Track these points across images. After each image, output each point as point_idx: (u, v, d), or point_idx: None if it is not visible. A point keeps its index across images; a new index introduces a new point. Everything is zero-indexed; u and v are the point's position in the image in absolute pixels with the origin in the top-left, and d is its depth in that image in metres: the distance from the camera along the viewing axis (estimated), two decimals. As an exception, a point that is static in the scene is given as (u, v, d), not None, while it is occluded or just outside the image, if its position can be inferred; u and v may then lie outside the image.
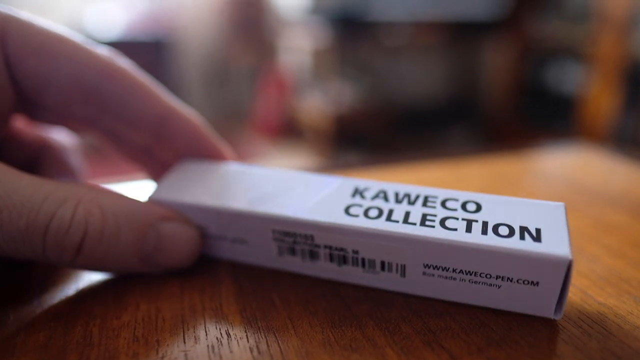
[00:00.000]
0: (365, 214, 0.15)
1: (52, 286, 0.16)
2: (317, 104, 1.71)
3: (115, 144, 0.19)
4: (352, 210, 0.15)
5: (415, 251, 0.14)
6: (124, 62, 0.17)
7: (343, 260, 0.15)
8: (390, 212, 0.14)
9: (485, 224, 0.14)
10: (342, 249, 0.15)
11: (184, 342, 0.13)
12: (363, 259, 0.15)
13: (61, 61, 0.16)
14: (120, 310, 0.15)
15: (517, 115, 1.81)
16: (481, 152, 0.32)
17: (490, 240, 0.13)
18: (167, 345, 0.13)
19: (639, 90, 1.34)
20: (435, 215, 0.14)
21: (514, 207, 0.14)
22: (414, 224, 0.14)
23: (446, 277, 0.14)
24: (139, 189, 0.24)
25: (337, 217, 0.14)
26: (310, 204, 0.15)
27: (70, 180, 0.19)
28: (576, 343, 0.13)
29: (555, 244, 0.13)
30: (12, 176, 0.14)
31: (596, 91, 1.41)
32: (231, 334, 0.14)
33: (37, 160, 0.19)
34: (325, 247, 0.15)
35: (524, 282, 0.13)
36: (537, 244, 0.13)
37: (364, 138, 1.74)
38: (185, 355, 0.13)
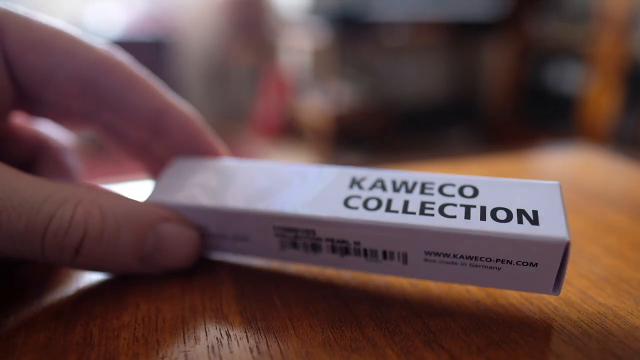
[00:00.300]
0: (365, 205, 0.15)
1: (52, 286, 0.16)
2: (317, 104, 1.71)
3: (114, 139, 0.19)
4: (351, 202, 0.15)
5: (416, 240, 0.14)
6: (122, 57, 0.17)
7: (345, 251, 0.15)
8: (389, 201, 0.15)
9: (483, 209, 0.14)
10: (343, 241, 0.15)
11: (184, 343, 0.13)
12: (365, 250, 0.15)
13: (60, 56, 0.16)
14: (120, 310, 0.15)
15: (517, 116, 1.81)
16: (481, 152, 0.32)
17: (489, 226, 0.13)
18: (167, 345, 0.13)
19: (638, 91, 1.34)
20: (433, 203, 0.14)
21: (510, 189, 0.14)
22: (414, 213, 0.14)
23: (447, 263, 0.14)
24: (139, 189, 0.24)
25: (337, 211, 0.15)
26: (309, 198, 0.15)
27: (67, 180, 0.19)
28: (576, 343, 0.13)
29: (553, 225, 0.13)
30: (12, 177, 0.14)
31: (596, 91, 1.41)
32: (231, 334, 0.14)
33: (35, 159, 0.19)
34: (327, 240, 0.15)
35: (523, 263, 0.13)
36: (534, 227, 0.13)
37: (363, 138, 1.74)
38: (186, 355, 0.13)
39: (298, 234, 0.15)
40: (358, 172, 0.16)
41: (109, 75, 0.17)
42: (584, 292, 0.16)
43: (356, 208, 0.14)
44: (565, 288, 0.16)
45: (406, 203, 0.14)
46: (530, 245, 0.13)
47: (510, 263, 0.13)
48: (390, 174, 0.16)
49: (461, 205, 0.14)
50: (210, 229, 0.16)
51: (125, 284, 0.16)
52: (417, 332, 0.14)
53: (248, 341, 0.13)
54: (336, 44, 1.67)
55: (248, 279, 0.17)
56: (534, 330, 0.14)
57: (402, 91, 1.94)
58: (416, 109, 1.97)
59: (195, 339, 0.13)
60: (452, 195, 0.14)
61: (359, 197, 0.15)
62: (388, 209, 0.14)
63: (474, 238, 0.13)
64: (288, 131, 1.91)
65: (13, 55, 0.15)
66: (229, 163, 0.18)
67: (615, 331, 0.13)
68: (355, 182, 0.16)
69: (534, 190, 0.14)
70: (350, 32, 1.68)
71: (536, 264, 0.13)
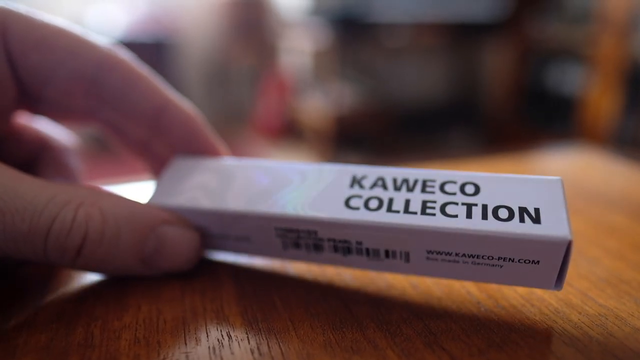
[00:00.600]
0: (366, 205, 0.14)
1: (53, 287, 0.16)
2: (317, 105, 1.71)
3: (116, 136, 0.19)
4: (353, 203, 0.15)
5: (418, 240, 0.14)
6: (124, 55, 0.17)
7: (347, 250, 0.15)
8: (391, 201, 0.14)
9: (485, 208, 0.14)
10: (345, 241, 0.15)
11: (185, 344, 0.13)
12: (367, 249, 0.15)
13: (62, 55, 0.16)
14: (121, 311, 0.15)
15: (518, 117, 1.81)
16: (481, 153, 0.32)
17: (491, 225, 0.13)
18: (169, 346, 0.13)
19: (639, 92, 1.34)
20: (435, 202, 0.14)
21: (511, 186, 0.14)
22: (415, 213, 0.14)
23: (449, 261, 0.14)
24: (141, 190, 0.24)
25: (338, 212, 0.14)
26: (310, 198, 0.15)
27: (69, 181, 0.19)
28: (577, 345, 0.13)
29: (554, 224, 0.13)
30: (14, 179, 0.14)
31: (596, 93, 1.41)
32: (232, 335, 0.14)
33: (37, 159, 0.19)
34: (329, 240, 0.15)
35: (525, 261, 0.13)
36: (536, 225, 0.13)
37: (364, 139, 1.74)
38: (187, 356, 0.13)
39: (300, 234, 0.15)
40: (358, 170, 0.16)
41: (111, 73, 0.17)
42: (585, 293, 0.16)
43: (357, 208, 0.14)
44: (566, 289, 0.16)
45: (407, 202, 0.14)
46: (532, 244, 0.13)
47: (512, 261, 0.13)
48: (391, 172, 0.16)
49: (463, 204, 0.14)
50: (212, 230, 0.16)
51: (126, 285, 0.16)
52: (418, 334, 0.14)
53: (249, 342, 0.13)
54: (337, 45, 1.67)
55: (249, 280, 0.17)
56: (534, 332, 0.14)
57: (402, 92, 1.94)
58: (416, 110, 1.97)
59: (196, 340, 0.13)
60: (454, 193, 0.14)
61: (360, 196, 0.15)
62: (389, 209, 0.14)
63: (475, 238, 0.13)
64: (288, 132, 1.91)
65: (16, 55, 0.15)
66: (228, 163, 0.18)
67: (616, 333, 0.13)
68: (355, 181, 0.15)
69: (536, 186, 0.14)
70: (350, 33, 1.68)
71: (538, 261, 0.13)
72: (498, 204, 0.14)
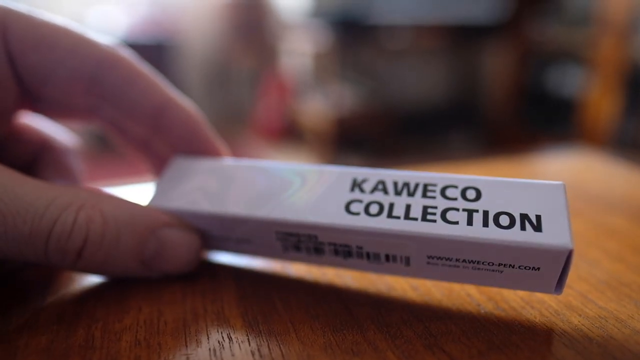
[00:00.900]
0: (366, 210, 0.14)
1: (54, 289, 0.16)
2: (318, 107, 1.71)
3: (117, 134, 0.19)
4: (353, 208, 0.15)
5: (418, 246, 0.14)
6: (124, 52, 0.17)
7: (348, 254, 0.15)
8: (391, 206, 0.14)
9: (486, 214, 0.14)
10: (346, 245, 0.15)
11: (186, 346, 0.13)
12: (367, 253, 0.15)
13: (63, 53, 0.16)
14: (122, 313, 0.15)
15: (518, 119, 1.81)
16: (481, 155, 0.32)
17: (492, 233, 0.13)
18: (169, 348, 0.13)
19: (639, 94, 1.34)
20: (436, 207, 0.14)
21: (513, 191, 0.14)
22: (416, 219, 0.14)
23: (450, 266, 0.14)
24: (142, 191, 0.24)
25: (338, 217, 0.14)
26: (311, 202, 0.15)
27: (69, 182, 0.19)
28: (577, 347, 0.13)
29: (556, 232, 0.13)
30: (16, 181, 0.14)
31: (596, 95, 1.41)
32: (233, 337, 0.14)
33: (38, 159, 0.19)
34: (330, 244, 0.15)
35: (525, 267, 0.13)
36: (537, 234, 0.13)
37: (364, 141, 1.74)
38: (187, 358, 0.13)
39: (300, 238, 0.15)
40: (359, 173, 0.16)
41: (112, 71, 0.17)
42: (585, 295, 0.16)
43: (358, 214, 0.14)
44: (566, 292, 0.16)
45: (408, 208, 0.14)
46: (533, 253, 0.13)
47: (513, 267, 0.13)
48: (391, 175, 0.15)
49: (464, 210, 0.14)
50: (213, 232, 0.16)
51: (127, 287, 0.16)
52: (418, 336, 0.14)
53: (249, 344, 0.13)
54: (337, 47, 1.67)
55: (249, 282, 0.17)
56: (534, 334, 0.14)
57: (402, 94, 1.94)
58: (417, 112, 1.97)
59: (197, 342, 0.13)
60: (455, 199, 0.14)
61: (360, 201, 0.15)
62: (390, 215, 0.14)
63: (476, 245, 0.13)
64: (289, 134, 1.92)
65: (17, 54, 0.15)
66: (228, 163, 0.17)
67: (616, 335, 0.13)
68: (356, 185, 0.15)
69: (538, 192, 0.14)
70: (351, 35, 1.68)
71: (539, 268, 0.13)
72: (499, 211, 0.14)
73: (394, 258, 0.15)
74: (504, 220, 0.13)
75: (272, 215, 0.15)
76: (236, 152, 0.21)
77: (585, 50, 1.48)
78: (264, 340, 0.13)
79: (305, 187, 0.16)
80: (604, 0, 1.38)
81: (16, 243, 0.13)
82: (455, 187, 0.14)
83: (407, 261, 0.15)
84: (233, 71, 2.14)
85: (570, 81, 1.61)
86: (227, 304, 0.15)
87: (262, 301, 0.15)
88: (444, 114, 2.01)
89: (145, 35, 1.85)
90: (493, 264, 0.13)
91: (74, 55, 0.16)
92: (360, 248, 0.15)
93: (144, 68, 0.17)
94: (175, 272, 0.16)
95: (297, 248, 0.16)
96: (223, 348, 0.13)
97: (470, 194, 0.14)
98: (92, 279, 0.17)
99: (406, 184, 0.15)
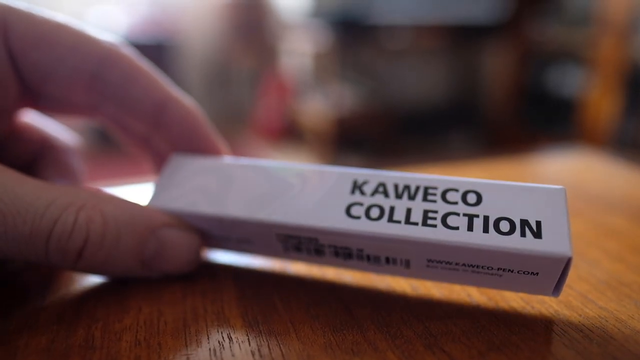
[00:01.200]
0: (367, 214, 0.14)
1: (54, 289, 0.16)
2: (318, 107, 1.71)
3: (118, 131, 0.19)
4: (354, 211, 0.15)
5: (418, 250, 0.14)
6: (125, 50, 0.17)
7: (348, 256, 0.15)
8: (392, 210, 0.14)
9: (486, 219, 0.14)
10: (346, 248, 0.15)
11: (186, 346, 0.13)
12: (368, 255, 0.15)
13: (63, 51, 0.16)
14: (122, 313, 0.15)
15: (518, 119, 1.81)
16: (481, 155, 0.32)
17: (492, 239, 0.13)
18: (169, 348, 0.13)
19: (639, 94, 1.34)
20: (436, 212, 0.14)
21: (514, 195, 0.14)
22: (416, 223, 0.14)
23: (449, 269, 0.14)
24: (142, 191, 0.24)
25: (339, 221, 0.14)
26: (311, 205, 0.15)
27: (70, 181, 0.19)
28: (577, 347, 0.13)
29: (555, 239, 0.13)
30: (16, 181, 0.14)
31: (596, 95, 1.41)
32: (233, 337, 0.14)
33: (39, 158, 0.19)
34: (330, 246, 0.15)
35: (524, 272, 0.13)
36: (537, 240, 0.13)
37: (364, 141, 1.74)
38: (187, 358, 0.13)
39: (301, 240, 0.15)
40: (359, 174, 0.16)
41: (112, 69, 0.17)
42: (585, 295, 0.16)
43: (358, 217, 0.14)
44: (566, 292, 0.16)
45: (409, 212, 0.14)
46: (533, 259, 0.13)
47: (512, 272, 0.13)
48: (392, 177, 0.15)
49: (464, 215, 0.14)
50: (213, 232, 0.16)
51: (127, 287, 0.16)
52: (418, 336, 0.14)
53: (250, 344, 0.13)
54: (337, 47, 1.67)
55: (249, 282, 0.17)
56: (535, 334, 0.14)
57: (402, 94, 1.94)
58: (417, 112, 1.97)
59: (197, 342, 0.13)
60: (455, 203, 0.14)
61: (361, 204, 0.15)
62: (390, 219, 0.14)
63: (476, 251, 0.13)
64: (289, 134, 1.91)
65: (17, 52, 0.15)
66: (228, 162, 0.17)
67: (616, 335, 0.13)
68: (356, 187, 0.15)
69: (539, 196, 0.14)
70: (351, 35, 1.68)
71: (537, 273, 0.13)
72: (500, 216, 0.14)
73: (394, 261, 0.15)
74: (504, 226, 0.13)
75: (273, 218, 0.15)
76: (236, 152, 0.21)
77: (585, 50, 1.48)
78: (264, 340, 0.13)
79: (306, 189, 0.16)
80: (604, 0, 1.38)
81: (16, 243, 0.13)
82: (456, 190, 0.14)
83: (407, 264, 0.15)
84: (233, 71, 2.14)
85: (570, 81, 1.61)
86: (227, 304, 0.15)
87: (262, 301, 0.15)
88: (444, 114, 2.01)
89: (145, 35, 1.85)
90: (492, 268, 0.14)
91: (74, 52, 0.16)
92: (361, 251, 0.15)
93: (145, 65, 0.17)
94: (175, 272, 0.16)
95: (298, 249, 0.16)
96: (223, 348, 0.13)
97: (471, 198, 0.14)
98: (92, 279, 0.17)
99: (407, 187, 0.15)
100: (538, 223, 0.13)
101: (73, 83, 0.16)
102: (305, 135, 1.84)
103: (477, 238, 0.13)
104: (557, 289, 0.14)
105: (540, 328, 0.14)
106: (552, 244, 0.13)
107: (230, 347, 0.13)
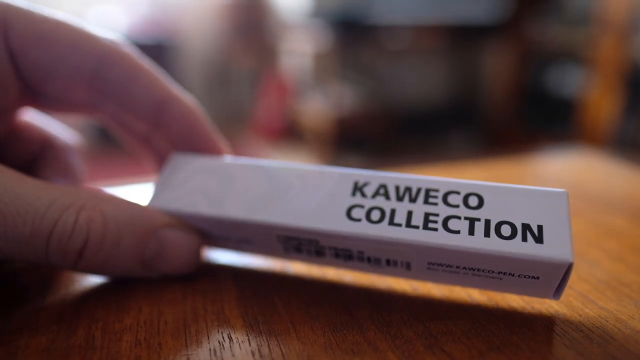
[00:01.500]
0: (368, 216, 0.14)
1: (54, 289, 0.16)
2: (318, 107, 1.71)
3: (119, 129, 0.19)
4: (354, 213, 0.14)
5: (419, 253, 0.14)
6: (125, 48, 0.17)
7: (349, 257, 0.15)
8: (393, 213, 0.14)
9: (487, 223, 0.13)
10: (347, 250, 0.15)
11: (186, 346, 0.13)
12: (368, 257, 0.15)
13: (64, 49, 0.16)
14: (122, 313, 0.15)
15: (518, 119, 1.81)
16: (481, 155, 0.32)
17: (493, 243, 0.13)
18: (170, 348, 0.13)
19: (639, 94, 1.34)
20: (437, 215, 0.14)
21: (516, 198, 0.14)
22: (417, 227, 0.14)
23: (450, 272, 0.14)
24: (142, 191, 0.24)
25: (339, 224, 0.14)
26: (311, 207, 0.15)
27: (70, 181, 0.19)
28: (577, 347, 0.13)
29: (557, 245, 0.13)
30: (16, 180, 0.14)
31: (597, 95, 1.41)
32: (233, 337, 0.14)
33: (39, 157, 0.19)
34: (331, 248, 0.15)
35: (525, 276, 0.13)
36: (538, 245, 0.13)
37: (364, 141, 1.74)
38: (188, 358, 0.13)
39: (301, 241, 0.15)
40: (360, 176, 0.15)
41: (113, 67, 0.16)
42: (585, 295, 0.16)
43: (359, 220, 0.14)
44: (566, 292, 0.16)
45: (410, 214, 0.14)
46: (534, 264, 0.13)
47: (513, 275, 0.13)
48: (393, 179, 0.15)
49: (465, 218, 0.14)
50: (213, 232, 0.16)
51: (127, 287, 0.16)
52: (419, 336, 0.14)
53: (250, 344, 0.13)
54: (337, 47, 1.67)
55: (249, 282, 0.17)
56: (535, 334, 0.14)
57: (402, 94, 1.94)
58: (417, 112, 1.97)
59: (197, 342, 0.13)
60: (457, 206, 0.14)
61: (361, 206, 0.15)
62: (391, 222, 0.14)
63: (477, 255, 0.13)
64: (289, 134, 1.91)
65: (18, 51, 0.15)
66: (228, 162, 0.17)
67: (616, 335, 0.13)
68: (357, 189, 0.15)
69: (541, 200, 0.14)
70: (351, 35, 1.68)
71: (538, 277, 0.13)
72: (501, 220, 0.13)
73: (395, 263, 0.15)
74: (506, 230, 0.13)
75: (273, 220, 0.15)
76: (236, 152, 0.21)
77: (585, 50, 1.48)
78: (264, 340, 0.13)
79: (306, 190, 0.15)
80: (604, 0, 1.38)
81: (16, 243, 0.13)
82: (458, 193, 0.14)
83: (408, 266, 0.15)
84: (233, 71, 2.14)
85: (570, 81, 1.61)
86: (227, 304, 0.15)
87: (262, 301, 0.15)
88: (444, 114, 2.01)
89: (145, 35, 1.85)
90: (493, 271, 0.14)
91: (75, 51, 0.16)
92: (361, 253, 0.15)
93: (146, 63, 0.17)
94: (176, 272, 0.16)
95: (298, 250, 0.16)
96: (223, 348, 0.13)
97: (473, 201, 0.14)
98: (93, 279, 0.17)
99: (408, 189, 0.15)
100: (539, 227, 0.13)
101: (73, 81, 0.16)
102: (305, 135, 1.84)
103: (479, 242, 0.13)
104: (557, 293, 0.14)
105: (540, 328, 0.14)
106: (553, 249, 0.13)
107: (231, 347, 0.13)
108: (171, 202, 0.16)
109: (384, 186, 0.15)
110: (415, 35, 1.78)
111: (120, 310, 0.15)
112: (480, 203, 0.14)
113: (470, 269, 0.14)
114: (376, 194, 0.15)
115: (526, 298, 0.15)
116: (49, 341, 0.13)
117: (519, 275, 0.13)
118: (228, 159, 0.17)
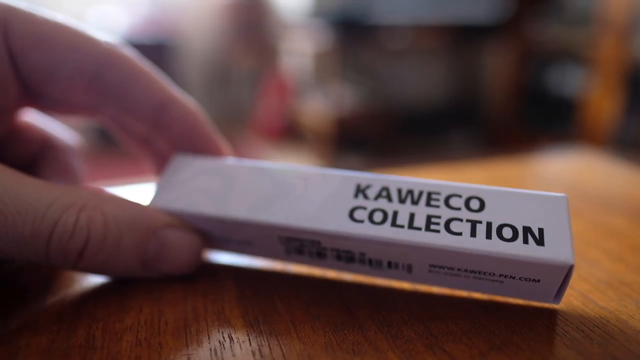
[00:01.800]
0: (370, 218, 0.14)
1: (55, 289, 0.16)
2: (318, 107, 1.71)
3: (119, 131, 0.19)
4: (357, 215, 0.15)
5: (421, 255, 0.14)
6: (125, 50, 0.17)
7: (350, 259, 0.15)
8: (395, 214, 0.14)
9: (489, 226, 0.14)
10: (349, 251, 0.15)
11: (187, 346, 0.13)
12: (370, 259, 0.15)
13: (64, 52, 0.16)
14: (122, 313, 0.15)
15: (518, 119, 1.81)
16: (482, 155, 0.32)
17: (494, 245, 0.13)
18: (170, 348, 0.13)
19: (639, 94, 1.34)
20: (439, 217, 0.14)
21: (516, 202, 0.14)
22: (419, 228, 0.14)
23: (451, 274, 0.14)
24: (143, 191, 0.24)
25: (342, 224, 0.14)
26: (314, 208, 0.15)
27: (70, 181, 0.19)
28: (578, 347, 0.13)
29: (558, 247, 0.13)
30: (17, 182, 0.14)
31: (597, 95, 1.41)
32: (234, 337, 0.14)
33: (39, 157, 0.19)
34: (332, 249, 0.15)
35: (526, 279, 0.13)
36: (539, 248, 0.13)
37: (364, 141, 1.74)
38: (188, 358, 0.13)
39: (303, 243, 0.15)
40: (362, 178, 0.16)
41: (113, 69, 0.16)
42: (586, 295, 0.16)
43: (362, 221, 0.14)
44: (566, 292, 0.16)
45: (412, 217, 0.14)
46: (535, 266, 0.13)
47: (513, 278, 0.14)
48: (395, 182, 0.15)
49: (467, 221, 0.14)
50: (214, 233, 0.16)
51: (127, 287, 0.16)
52: (419, 336, 0.14)
53: (250, 344, 0.13)
54: (337, 47, 1.67)
55: (250, 282, 0.17)
56: (535, 334, 0.14)
57: (403, 94, 1.94)
58: (417, 112, 1.97)
59: (197, 342, 0.13)
60: (459, 209, 0.14)
61: (364, 208, 0.15)
62: (394, 223, 0.14)
63: (479, 257, 0.13)
64: (289, 134, 1.91)
65: (18, 52, 0.15)
66: (230, 163, 0.17)
67: (616, 335, 0.13)
68: (360, 191, 0.15)
69: (541, 204, 0.14)
70: (351, 35, 1.68)
71: (539, 280, 0.13)
72: (502, 222, 0.14)
73: (396, 265, 0.15)
74: (507, 232, 0.13)
75: (275, 221, 0.15)
76: (236, 152, 0.21)
77: (585, 50, 1.48)
78: (265, 340, 0.13)
79: (309, 192, 0.15)
80: (604, 0, 1.38)
81: (17, 243, 0.13)
82: (459, 196, 0.14)
83: (410, 268, 0.15)
84: (233, 71, 2.14)
85: (570, 81, 1.61)
86: (227, 304, 0.15)
87: (262, 301, 0.15)
88: (444, 114, 2.01)
89: (145, 35, 1.85)
90: (494, 274, 0.14)
91: (75, 53, 0.16)
92: (363, 254, 0.15)
93: (145, 65, 0.17)
94: (176, 272, 0.16)
95: (300, 252, 0.16)
96: (224, 348, 0.13)
97: (474, 204, 0.14)
98: (93, 279, 0.17)
99: (410, 192, 0.15)
100: (540, 230, 0.13)
101: (73, 83, 0.16)
102: (306, 135, 1.84)
103: (480, 244, 0.13)
104: (557, 297, 0.14)
105: (541, 328, 0.14)
106: (554, 251, 0.13)
107: (231, 347, 0.13)
108: (172, 201, 0.16)
109: (386, 189, 0.15)
110: (415, 35, 1.78)
111: (120, 310, 0.15)
112: (482, 206, 0.14)
113: (471, 272, 0.14)
114: (378, 196, 0.15)
115: (527, 298, 0.15)
116: (50, 341, 0.13)
117: (519, 279, 0.13)
118: (230, 160, 0.17)
